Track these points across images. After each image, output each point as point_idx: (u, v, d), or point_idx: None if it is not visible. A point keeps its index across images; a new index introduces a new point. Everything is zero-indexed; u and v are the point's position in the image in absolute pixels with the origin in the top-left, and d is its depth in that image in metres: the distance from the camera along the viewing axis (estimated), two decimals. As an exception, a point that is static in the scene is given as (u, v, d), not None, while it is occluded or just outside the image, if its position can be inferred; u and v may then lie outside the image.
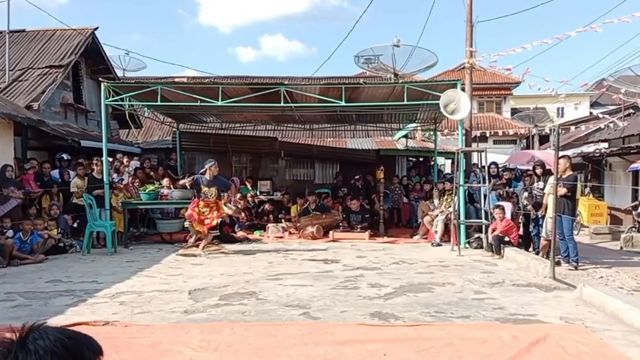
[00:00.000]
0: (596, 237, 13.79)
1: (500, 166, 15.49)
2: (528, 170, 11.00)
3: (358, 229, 11.47)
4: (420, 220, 11.88)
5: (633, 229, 12.97)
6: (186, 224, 9.17)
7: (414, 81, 12.01)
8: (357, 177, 13.86)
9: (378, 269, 7.60)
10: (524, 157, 15.71)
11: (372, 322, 4.78)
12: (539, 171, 9.81)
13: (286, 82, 11.00)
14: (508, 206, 9.80)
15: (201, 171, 9.23)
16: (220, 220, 11.26)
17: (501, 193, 10.53)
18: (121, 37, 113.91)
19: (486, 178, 10.13)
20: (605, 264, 8.73)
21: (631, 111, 19.11)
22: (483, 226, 9.61)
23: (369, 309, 5.22)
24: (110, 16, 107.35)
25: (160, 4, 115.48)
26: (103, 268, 7.68)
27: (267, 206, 13.31)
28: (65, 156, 11.43)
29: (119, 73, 18.10)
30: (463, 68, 13.78)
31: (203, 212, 8.85)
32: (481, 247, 9.49)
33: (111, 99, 10.60)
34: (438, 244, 10.11)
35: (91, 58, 15.56)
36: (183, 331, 4.46)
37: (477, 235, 9.93)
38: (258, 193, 14.08)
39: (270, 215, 13.05)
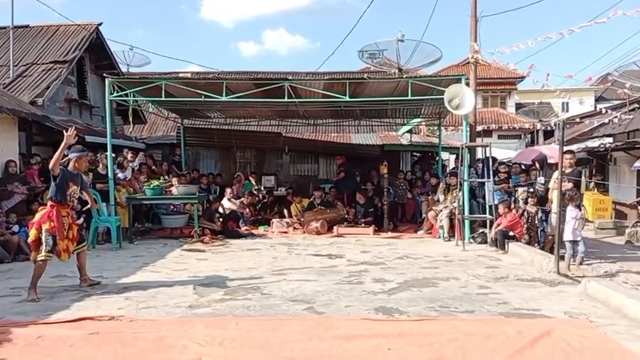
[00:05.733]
0: (600, 232, 13.77)
1: (505, 161, 15.46)
2: (532, 166, 10.97)
3: (362, 225, 11.48)
4: (424, 215, 11.87)
5: (638, 223, 12.94)
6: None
7: (418, 76, 11.97)
8: (356, 172, 13.88)
9: (382, 264, 7.62)
10: (531, 154, 15.70)
11: (377, 316, 4.79)
12: (538, 166, 9.80)
13: (290, 78, 10.97)
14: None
15: (63, 161, 6.19)
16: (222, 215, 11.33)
17: (506, 189, 10.50)
18: (124, 32, 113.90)
19: (491, 172, 10.11)
20: (609, 259, 8.71)
21: (636, 105, 19.05)
22: (487, 221, 9.59)
23: (374, 304, 5.24)
24: (112, 11, 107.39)
25: (163, 0, 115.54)
26: (108, 263, 7.71)
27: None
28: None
29: (123, 69, 18.13)
30: (467, 63, 13.73)
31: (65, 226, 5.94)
32: (485, 242, 9.46)
33: (115, 94, 10.64)
34: (449, 239, 10.04)
35: (95, 53, 15.60)
36: (188, 326, 4.48)
37: (481, 230, 9.91)
38: (262, 189, 14.11)
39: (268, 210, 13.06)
